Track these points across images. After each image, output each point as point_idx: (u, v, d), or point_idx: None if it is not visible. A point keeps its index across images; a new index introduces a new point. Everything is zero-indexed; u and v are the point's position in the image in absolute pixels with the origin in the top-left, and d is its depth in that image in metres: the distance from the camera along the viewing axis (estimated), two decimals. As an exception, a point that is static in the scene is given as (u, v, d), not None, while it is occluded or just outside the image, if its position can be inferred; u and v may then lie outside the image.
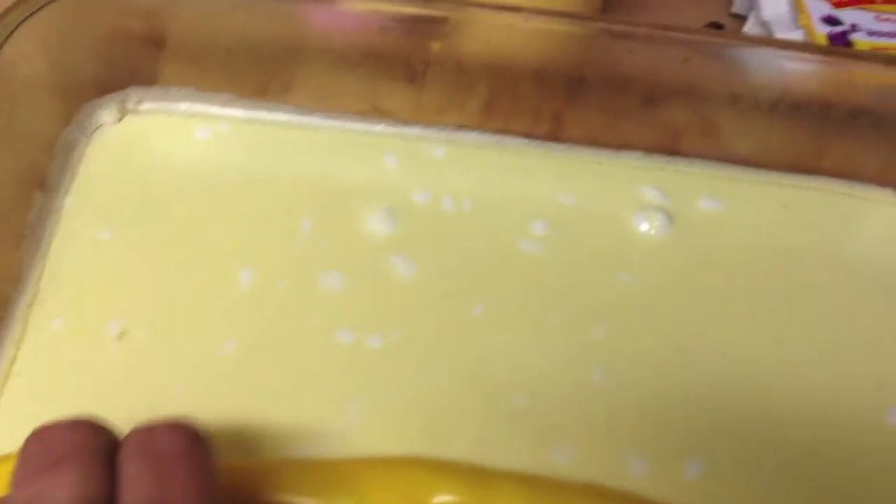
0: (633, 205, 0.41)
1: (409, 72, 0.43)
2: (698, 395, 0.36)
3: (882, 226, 0.42)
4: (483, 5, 0.40)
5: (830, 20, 0.48)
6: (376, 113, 0.43)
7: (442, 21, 0.41)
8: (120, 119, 0.41)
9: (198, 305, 0.36)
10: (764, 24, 0.50)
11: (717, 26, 0.53)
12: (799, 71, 0.41)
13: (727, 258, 0.40)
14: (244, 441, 0.33)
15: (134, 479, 0.24)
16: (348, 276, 0.38)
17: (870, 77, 0.41)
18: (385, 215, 0.39)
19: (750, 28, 0.51)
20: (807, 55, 0.40)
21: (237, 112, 0.42)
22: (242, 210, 0.39)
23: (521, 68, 0.42)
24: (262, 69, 0.42)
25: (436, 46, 0.42)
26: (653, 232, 0.40)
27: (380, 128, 0.42)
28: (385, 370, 0.36)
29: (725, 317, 0.38)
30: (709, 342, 0.38)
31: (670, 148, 0.43)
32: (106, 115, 0.41)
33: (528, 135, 0.43)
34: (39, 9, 0.38)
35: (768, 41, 0.46)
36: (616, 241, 0.40)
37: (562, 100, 0.43)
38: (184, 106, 0.41)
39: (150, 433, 0.26)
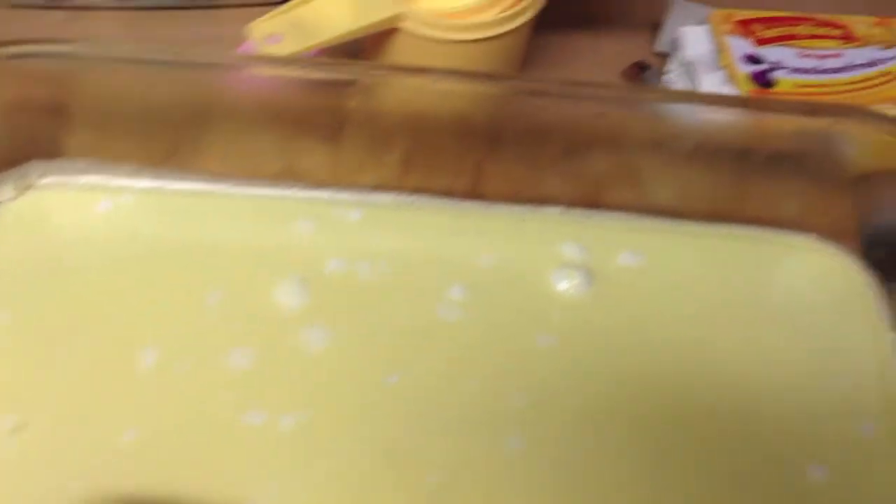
0: (552, 263, 0.40)
1: (324, 131, 0.42)
2: (620, 457, 0.36)
3: (805, 271, 0.42)
4: (393, 68, 0.39)
5: (752, 59, 0.48)
6: (291, 175, 0.42)
7: (354, 83, 0.40)
8: (19, 195, 0.40)
9: (98, 391, 0.35)
10: (687, 65, 0.49)
11: (642, 67, 0.53)
12: (716, 120, 0.41)
13: (648, 314, 0.40)
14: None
15: None
16: (258, 352, 0.37)
17: (787, 123, 0.40)
18: (297, 285, 0.38)
19: (674, 68, 0.51)
20: (722, 105, 0.40)
21: (142, 182, 0.41)
22: (146, 285, 0.38)
23: (439, 126, 0.42)
24: (169, 136, 0.41)
25: (351, 106, 0.41)
26: (572, 291, 0.40)
27: (292, 192, 0.41)
28: (298, 451, 0.35)
29: (643, 376, 0.38)
30: (628, 402, 0.37)
31: (592, 201, 0.43)
32: (4, 191, 0.39)
33: (449, 192, 0.43)
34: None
35: (680, 95, 0.45)
36: (535, 301, 0.39)
37: (482, 154, 0.43)
38: (86, 178, 0.40)
39: None
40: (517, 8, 0.43)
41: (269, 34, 0.40)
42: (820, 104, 0.43)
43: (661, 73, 0.52)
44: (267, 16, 0.41)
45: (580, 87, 0.39)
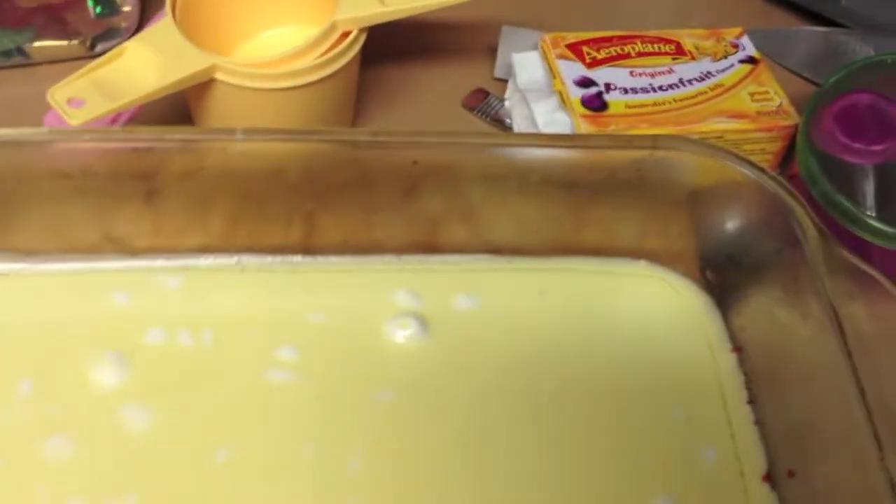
0: (386, 313, 0.40)
1: (143, 194, 0.40)
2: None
3: (638, 299, 0.42)
4: (200, 131, 0.38)
5: (584, 82, 0.48)
6: (109, 243, 0.40)
7: (168, 147, 0.38)
8: None
9: None
10: (522, 91, 0.49)
11: (482, 94, 0.52)
12: (541, 156, 0.40)
13: (484, 356, 0.39)
14: None
15: None
16: (76, 438, 0.35)
17: (608, 155, 0.40)
18: (114, 361, 0.37)
19: (510, 94, 0.51)
20: (540, 143, 0.40)
21: (-57, 267, 0.38)
22: (-49, 379, 0.36)
23: (263, 181, 0.40)
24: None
25: (169, 167, 0.39)
26: (407, 341, 0.39)
27: (107, 263, 0.39)
28: (122, 539, 0.33)
29: (483, 423, 0.37)
30: (468, 452, 0.36)
31: (427, 245, 0.42)
32: None
33: (280, 248, 0.41)
34: None
35: (497, 138, 0.45)
36: (370, 355, 0.39)
37: (311, 206, 0.41)
38: None
39: None
40: (335, 51, 0.42)
41: (71, 98, 0.39)
42: (633, 136, 0.43)
43: (501, 99, 0.52)
44: (67, 79, 0.39)
45: (391, 135, 0.39)
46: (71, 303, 0.38)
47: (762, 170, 0.39)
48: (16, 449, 0.35)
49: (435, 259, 0.41)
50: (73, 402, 0.36)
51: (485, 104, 0.52)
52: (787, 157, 0.48)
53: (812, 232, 0.37)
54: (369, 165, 0.40)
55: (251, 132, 0.37)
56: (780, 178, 0.38)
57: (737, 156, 0.40)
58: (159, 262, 0.40)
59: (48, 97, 0.39)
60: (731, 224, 0.42)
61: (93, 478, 0.34)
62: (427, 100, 0.52)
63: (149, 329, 0.38)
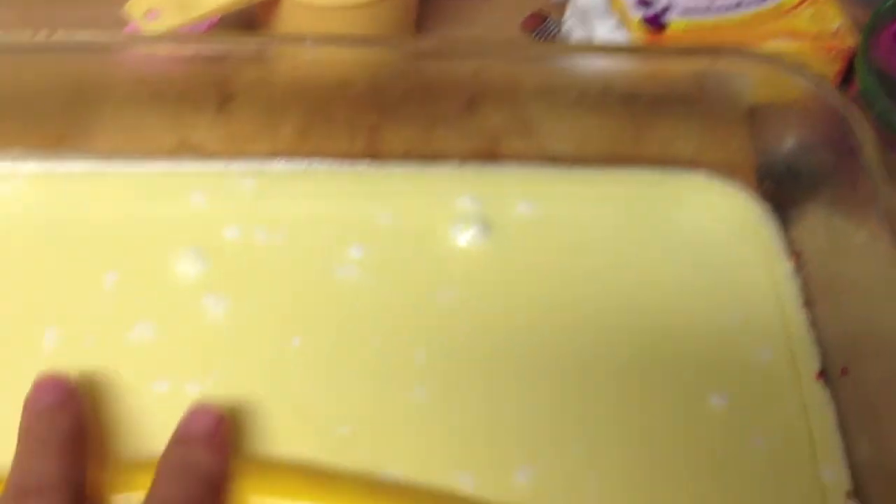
0: (449, 217, 0.41)
1: (217, 102, 0.42)
2: (523, 403, 0.36)
3: (697, 208, 0.42)
4: (276, 38, 0.39)
5: (644, 3, 0.48)
6: (185, 148, 0.42)
7: (240, 55, 0.40)
8: None
9: (3, 373, 0.35)
10: (581, 12, 0.50)
11: (541, 17, 0.53)
12: (604, 67, 0.41)
13: (545, 259, 0.40)
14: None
15: None
16: (159, 324, 0.37)
17: (670, 67, 0.41)
18: (194, 256, 0.39)
19: (569, 16, 0.51)
20: (606, 53, 0.41)
21: (31, 166, 0.40)
22: (43, 268, 0.38)
23: (330, 92, 0.42)
24: (58, 119, 0.41)
25: (242, 76, 0.41)
26: (470, 244, 0.40)
27: (185, 165, 0.41)
28: (205, 416, 0.35)
29: (545, 321, 0.38)
30: (530, 349, 0.38)
31: (488, 154, 0.43)
32: None
33: (345, 156, 0.43)
34: None
35: (561, 48, 0.46)
36: (434, 256, 0.40)
37: (376, 117, 0.43)
38: (-26, 166, 0.40)
39: None
40: (400, -32, 0.43)
41: (148, 10, 0.40)
42: (694, 48, 0.44)
43: (559, 22, 0.52)
44: (143, -9, 0.41)
45: (462, 44, 0.40)
46: (150, 202, 0.40)
47: (822, 81, 0.40)
48: (103, 333, 0.36)
49: (496, 167, 0.42)
50: (155, 292, 0.38)
51: (543, 27, 0.53)
52: (845, 79, 0.48)
53: (870, 142, 0.37)
54: (431, 76, 0.41)
55: (320, 39, 0.38)
56: (834, 86, 0.39)
57: (797, 68, 0.40)
58: (234, 166, 0.41)
59: (126, 9, 0.41)
60: (790, 136, 0.42)
61: (175, 361, 0.36)
62: (485, 22, 0.53)
63: (226, 227, 0.40)
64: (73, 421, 0.32)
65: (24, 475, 0.30)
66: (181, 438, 0.32)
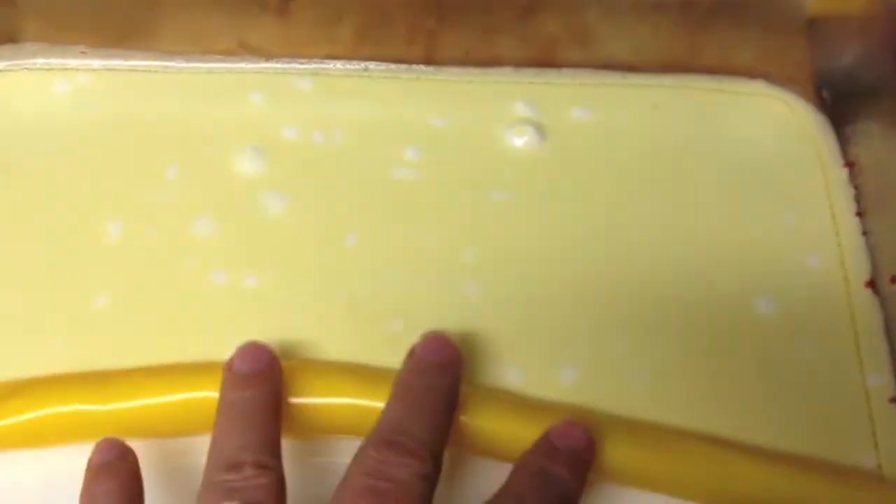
0: (504, 121, 0.41)
1: (277, 3, 0.42)
2: (571, 303, 0.37)
3: (753, 116, 0.42)
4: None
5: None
6: (244, 49, 0.43)
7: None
8: (-26, 81, 0.41)
9: (67, 263, 0.37)
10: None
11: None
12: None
13: (599, 164, 0.40)
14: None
15: None
16: (219, 219, 0.38)
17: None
18: (253, 153, 0.39)
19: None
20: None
21: (95, 62, 0.41)
22: (106, 162, 0.39)
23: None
24: (121, 17, 0.42)
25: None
26: (524, 146, 0.40)
27: (243, 65, 0.42)
28: (262, 307, 0.36)
29: (597, 223, 0.39)
30: (581, 250, 0.38)
31: (544, 60, 0.43)
32: (-41, 79, 0.40)
33: (403, 59, 0.43)
34: None
35: None
36: (488, 159, 0.40)
37: (433, 22, 0.43)
38: (40, 61, 0.41)
39: None
40: None
41: None
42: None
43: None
44: None
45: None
46: (211, 100, 0.41)
47: (883, -10, 0.39)
48: (165, 225, 0.38)
49: (552, 73, 0.42)
50: (215, 186, 0.39)
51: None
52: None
53: (932, 50, 0.37)
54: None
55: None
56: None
57: (860, -25, 0.39)
58: (292, 66, 0.42)
59: None
60: (850, 47, 0.42)
61: (235, 254, 0.37)
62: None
63: (284, 126, 0.40)
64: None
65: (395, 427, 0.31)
66: (547, 450, 0.31)
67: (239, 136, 0.40)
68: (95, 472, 0.30)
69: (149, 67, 0.41)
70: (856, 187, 0.40)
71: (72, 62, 0.41)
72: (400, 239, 0.38)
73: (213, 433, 0.30)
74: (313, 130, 0.40)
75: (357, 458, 0.29)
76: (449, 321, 0.36)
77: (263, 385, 0.32)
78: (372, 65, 0.42)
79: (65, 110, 0.40)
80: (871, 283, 0.38)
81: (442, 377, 0.32)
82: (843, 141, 0.41)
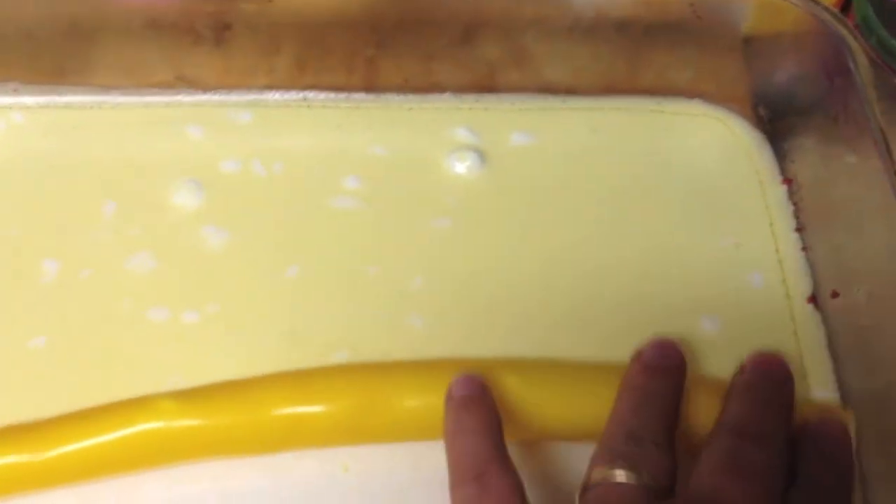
0: (444, 147, 0.41)
1: (213, 35, 0.42)
2: (518, 332, 0.37)
3: (691, 136, 0.43)
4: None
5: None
6: (182, 82, 0.42)
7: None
8: None
9: (2, 303, 0.36)
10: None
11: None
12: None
13: (540, 188, 0.41)
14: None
15: None
16: (157, 255, 0.38)
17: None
18: (192, 187, 0.39)
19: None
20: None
21: (29, 99, 0.41)
22: (41, 200, 0.39)
23: (327, 23, 0.42)
24: (54, 53, 0.41)
25: (238, 9, 0.41)
26: (466, 172, 0.40)
27: (180, 97, 0.41)
28: (203, 342, 0.36)
29: (539, 247, 0.39)
30: (524, 274, 0.38)
31: (483, 85, 0.43)
32: None
33: (342, 87, 0.43)
34: None
35: None
36: (430, 186, 0.40)
37: (373, 48, 0.43)
38: (-29, 100, 0.40)
39: None
40: None
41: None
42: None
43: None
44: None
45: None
46: (148, 134, 0.41)
47: (819, 9, 0.40)
48: (102, 263, 0.37)
49: (491, 98, 0.43)
50: (153, 222, 0.38)
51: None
52: (843, 9, 0.48)
53: (863, 60, 0.37)
54: (427, 7, 0.42)
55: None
56: (831, 10, 0.39)
57: (794, -5, 0.40)
58: (231, 98, 0.42)
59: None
60: (786, 64, 0.42)
61: (173, 290, 0.37)
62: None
63: (223, 159, 0.40)
64: None
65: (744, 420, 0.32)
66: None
67: (177, 170, 0.39)
68: (461, 404, 0.32)
69: (84, 103, 0.41)
70: (794, 203, 0.40)
71: (5, 100, 0.40)
72: (342, 269, 0.38)
73: (616, 409, 0.32)
74: (252, 162, 0.40)
75: (710, 443, 0.31)
76: (394, 351, 0.36)
77: (673, 380, 0.33)
78: (311, 94, 0.42)
79: (-2, 149, 0.40)
80: (813, 299, 0.38)
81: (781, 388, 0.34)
82: (780, 158, 0.42)
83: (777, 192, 0.41)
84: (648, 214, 0.40)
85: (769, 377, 0.33)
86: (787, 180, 0.41)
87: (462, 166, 0.40)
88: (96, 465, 0.32)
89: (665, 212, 0.40)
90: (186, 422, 0.32)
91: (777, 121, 0.42)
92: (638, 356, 0.34)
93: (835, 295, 0.37)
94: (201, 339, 0.36)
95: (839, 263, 0.38)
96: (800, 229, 0.40)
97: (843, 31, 0.38)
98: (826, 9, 0.40)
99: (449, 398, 0.32)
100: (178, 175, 0.39)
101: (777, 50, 0.42)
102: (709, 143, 0.42)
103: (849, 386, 0.36)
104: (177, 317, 0.36)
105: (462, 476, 0.30)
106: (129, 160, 0.40)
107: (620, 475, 0.29)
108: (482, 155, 0.41)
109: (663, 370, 0.33)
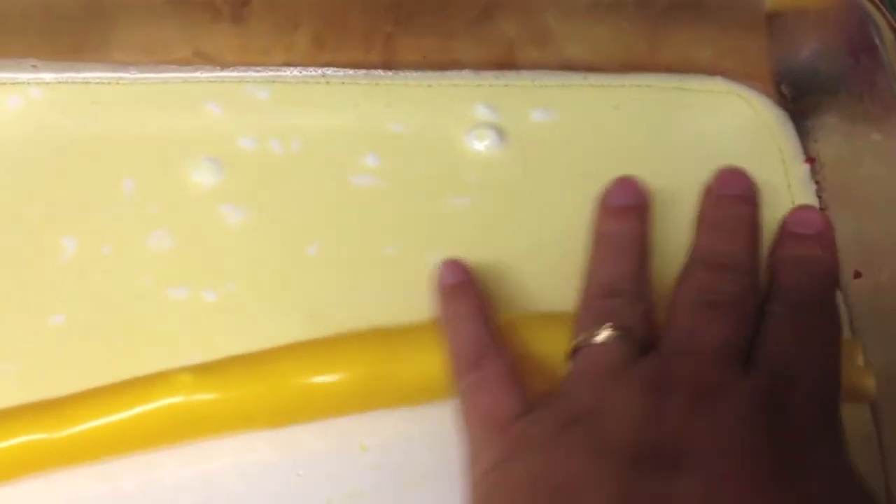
0: (464, 124, 0.41)
1: (231, 11, 0.42)
2: (536, 304, 0.37)
3: (713, 113, 0.42)
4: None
5: None
6: (199, 58, 0.42)
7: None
8: (-76, 98, 0.40)
9: (22, 281, 0.36)
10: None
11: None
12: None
13: (560, 166, 0.40)
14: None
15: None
16: (176, 232, 0.37)
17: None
18: (210, 165, 0.39)
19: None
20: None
21: (47, 75, 0.41)
22: (61, 177, 0.38)
23: (346, 1, 0.41)
24: (73, 30, 0.41)
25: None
26: (486, 149, 0.40)
27: (198, 74, 0.41)
28: (222, 321, 0.36)
29: (560, 225, 0.38)
30: (544, 252, 0.38)
31: (503, 62, 0.43)
32: None
33: (361, 65, 0.43)
34: None
35: None
36: (449, 164, 0.40)
37: (391, 26, 0.42)
38: (-9, 76, 0.40)
39: None
40: None
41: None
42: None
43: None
44: None
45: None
46: (166, 111, 0.40)
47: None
48: (121, 241, 0.37)
49: (511, 75, 0.42)
50: (172, 199, 0.38)
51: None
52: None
53: (890, 37, 0.37)
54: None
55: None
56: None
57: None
58: (249, 75, 0.41)
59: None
60: (809, 41, 0.42)
61: (192, 268, 0.37)
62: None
63: (241, 137, 0.40)
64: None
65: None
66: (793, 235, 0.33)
67: (195, 148, 0.39)
68: (450, 292, 0.33)
69: (102, 79, 0.41)
70: (817, 183, 0.40)
71: (23, 76, 0.40)
72: (361, 247, 0.38)
73: (591, 262, 0.33)
74: (271, 140, 0.40)
75: (683, 280, 0.31)
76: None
77: (638, 218, 0.34)
78: (329, 71, 0.42)
79: (17, 125, 0.40)
80: (835, 279, 0.37)
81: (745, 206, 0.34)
82: (803, 136, 0.41)
83: (800, 170, 0.40)
84: (669, 191, 0.40)
85: (734, 199, 0.34)
86: (810, 159, 0.40)
87: (481, 144, 0.40)
88: (117, 441, 0.32)
89: (686, 191, 0.39)
90: (205, 395, 0.32)
91: (800, 98, 0.42)
92: (601, 201, 0.35)
93: (857, 275, 0.37)
94: (220, 316, 0.36)
95: (862, 243, 0.38)
96: (822, 209, 0.39)
97: (869, 7, 0.37)
98: (851, -15, 0.39)
99: (439, 286, 0.34)
100: (197, 152, 0.39)
101: (801, 26, 0.42)
102: (731, 121, 0.42)
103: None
104: (196, 294, 0.36)
105: (461, 364, 0.31)
106: (147, 137, 0.40)
107: (599, 335, 0.30)
108: (502, 132, 0.40)
109: (627, 211, 0.34)
